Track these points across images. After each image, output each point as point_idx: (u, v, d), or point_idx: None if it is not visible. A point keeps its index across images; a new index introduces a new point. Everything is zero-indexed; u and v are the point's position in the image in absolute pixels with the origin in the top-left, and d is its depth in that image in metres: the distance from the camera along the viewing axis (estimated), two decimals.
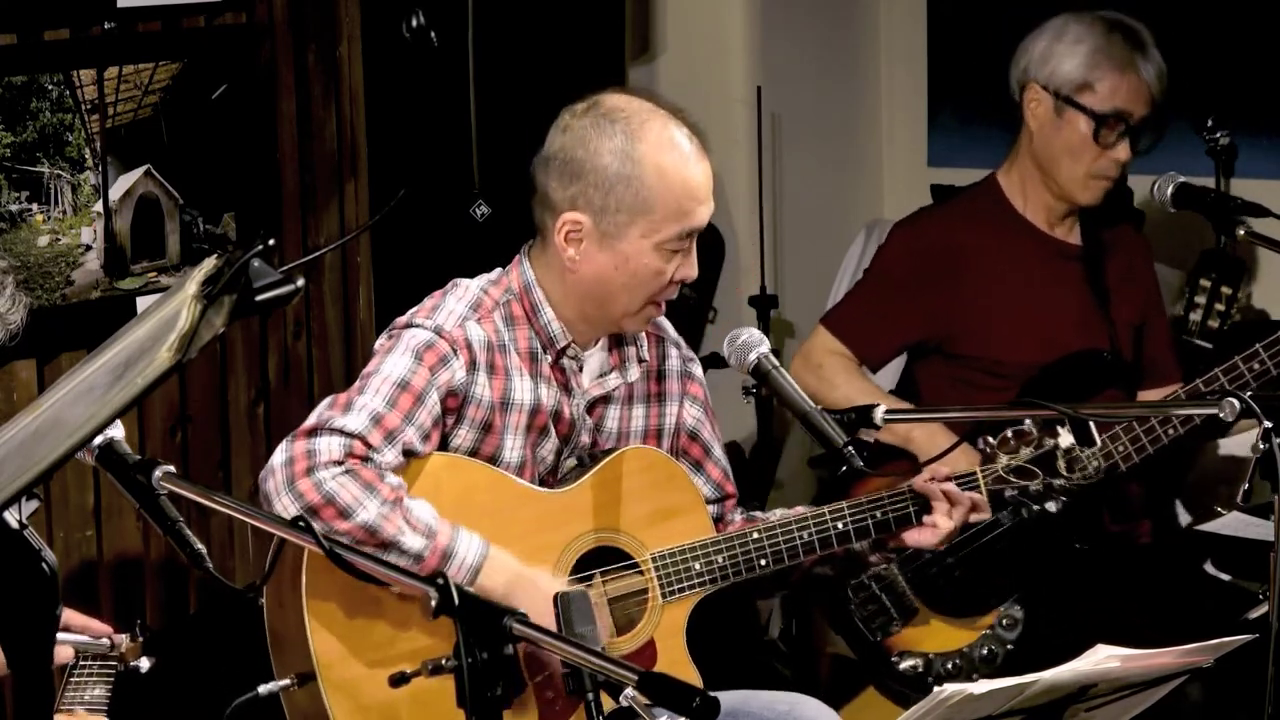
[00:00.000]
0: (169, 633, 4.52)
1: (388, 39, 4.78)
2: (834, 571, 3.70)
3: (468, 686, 2.56)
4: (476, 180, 4.79)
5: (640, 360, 3.61)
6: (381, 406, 3.33)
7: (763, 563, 3.53)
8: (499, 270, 3.56)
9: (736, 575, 3.52)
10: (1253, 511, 3.98)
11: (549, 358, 3.50)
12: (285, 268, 2.39)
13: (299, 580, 3.31)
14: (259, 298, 2.34)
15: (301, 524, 2.69)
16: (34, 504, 2.97)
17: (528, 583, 3.34)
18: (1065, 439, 3.58)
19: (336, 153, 4.85)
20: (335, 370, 4.87)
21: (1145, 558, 4.41)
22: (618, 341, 3.58)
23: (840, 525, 3.57)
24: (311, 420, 3.35)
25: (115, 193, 4.43)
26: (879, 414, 3.46)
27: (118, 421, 2.63)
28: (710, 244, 3.63)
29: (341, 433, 3.30)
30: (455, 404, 3.41)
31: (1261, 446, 3.24)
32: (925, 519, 3.58)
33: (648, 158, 3.39)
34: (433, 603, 2.58)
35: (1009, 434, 3.63)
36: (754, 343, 3.48)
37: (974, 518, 3.60)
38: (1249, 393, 3.76)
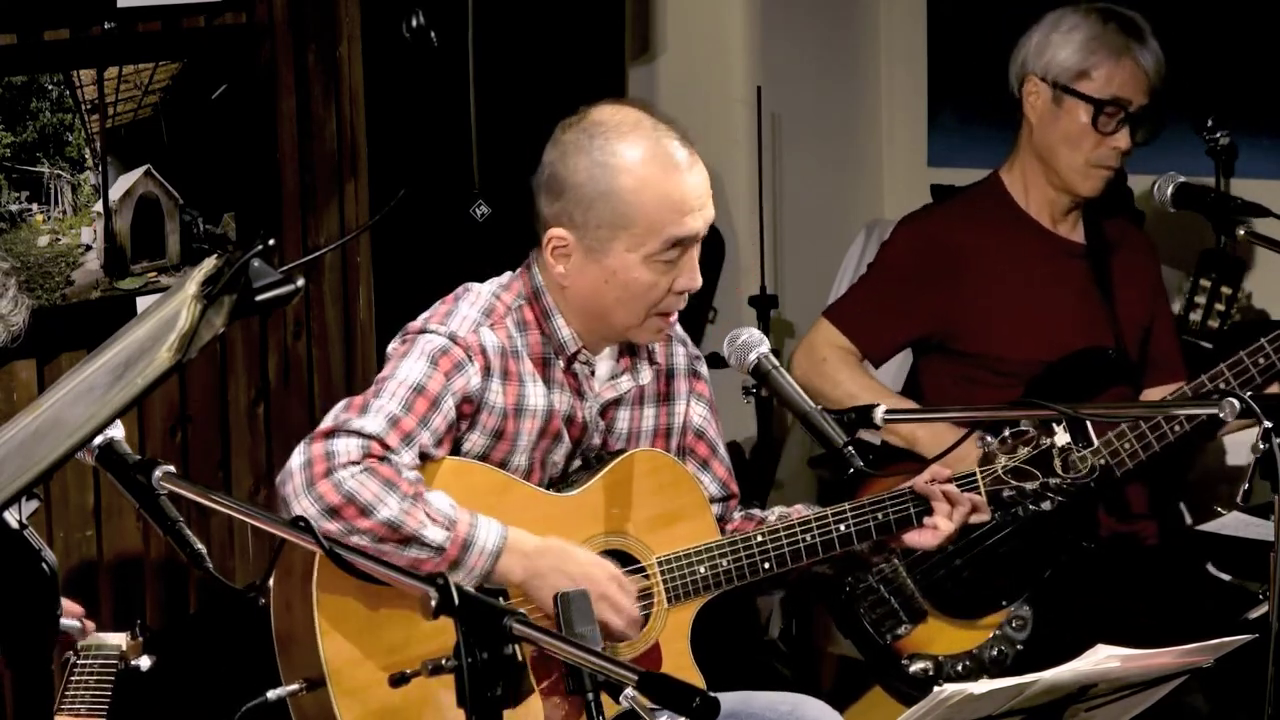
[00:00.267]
0: (169, 633, 4.52)
1: (388, 39, 4.78)
2: (834, 570, 3.71)
3: (468, 686, 2.56)
4: (476, 180, 4.79)
5: (652, 363, 3.60)
6: (398, 409, 3.33)
7: (766, 566, 3.53)
8: (509, 274, 3.55)
9: (740, 579, 3.52)
10: (1253, 511, 3.98)
11: (561, 363, 3.49)
12: (285, 268, 2.39)
13: (309, 584, 3.30)
14: (259, 298, 2.34)
15: (301, 524, 2.69)
16: (34, 504, 2.97)
17: (555, 550, 3.35)
18: (1061, 438, 3.58)
19: (336, 153, 4.85)
20: (335, 370, 4.87)
21: (1148, 558, 4.41)
22: (629, 344, 3.58)
23: (842, 528, 3.57)
24: (328, 423, 3.35)
25: (115, 193, 4.43)
26: (879, 414, 3.46)
27: (118, 421, 2.63)
28: (710, 244, 3.63)
29: (359, 434, 3.30)
30: (470, 410, 3.41)
31: (1261, 446, 3.25)
32: (926, 520, 3.58)
33: (622, 172, 3.37)
34: (433, 603, 2.58)
35: (1008, 434, 3.64)
36: (754, 343, 3.48)
37: (974, 519, 3.60)
38: (1249, 391, 3.77)
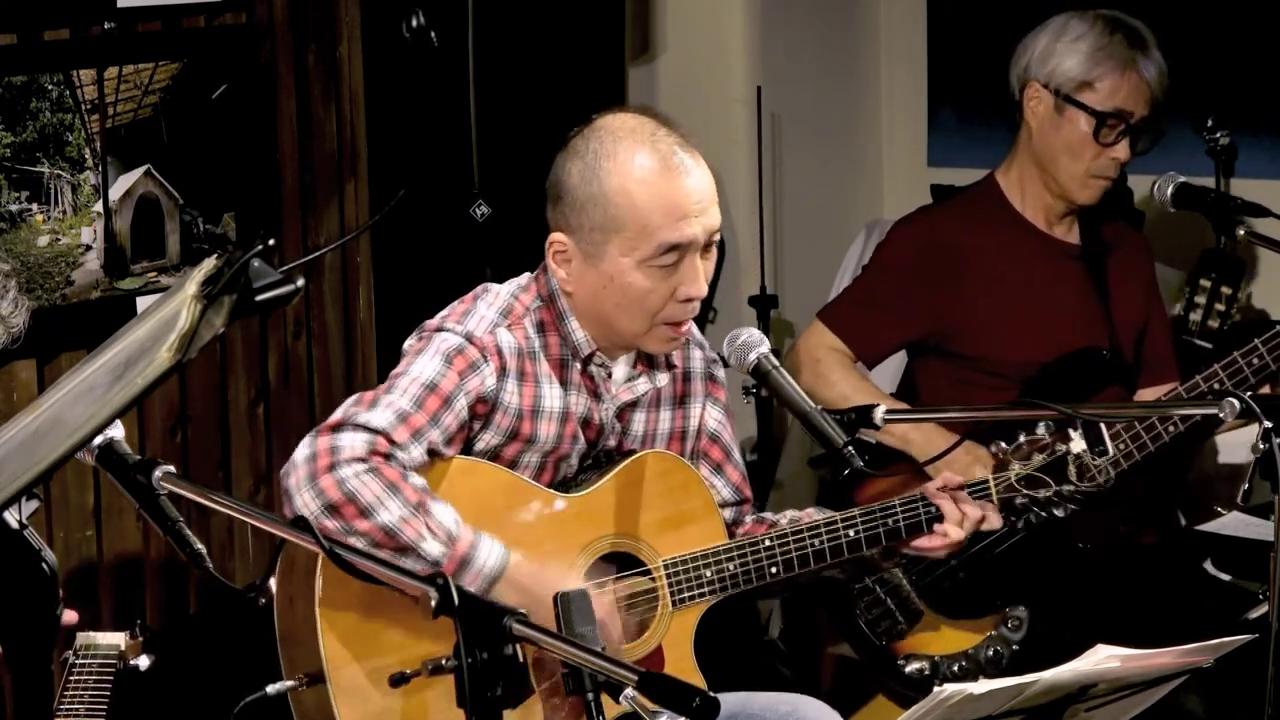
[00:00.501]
0: (169, 633, 4.52)
1: (388, 39, 4.78)
2: (842, 574, 3.69)
3: (468, 686, 2.56)
4: (476, 180, 4.79)
5: (669, 366, 3.59)
6: (408, 405, 3.32)
7: (773, 570, 3.51)
8: (528, 275, 3.54)
9: (747, 583, 3.51)
10: (1253, 511, 3.98)
11: (578, 365, 3.48)
12: (285, 268, 2.39)
13: (312, 580, 3.29)
14: (259, 298, 2.34)
15: (301, 524, 2.68)
16: (34, 504, 2.98)
17: (551, 581, 3.29)
18: (1077, 444, 3.56)
19: (336, 153, 4.85)
20: (335, 370, 4.87)
21: (1147, 558, 4.41)
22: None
23: (852, 533, 3.55)
24: (336, 416, 3.33)
25: (115, 193, 4.44)
26: (879, 414, 3.45)
27: (118, 421, 2.63)
28: None
29: (366, 428, 3.28)
30: (484, 410, 3.40)
31: (1261, 446, 3.24)
32: (936, 527, 3.55)
33: (613, 177, 3.36)
34: (433, 603, 2.58)
35: (1022, 441, 3.62)
36: (754, 343, 3.47)
37: (985, 526, 3.58)
38: (1247, 390, 3.77)
